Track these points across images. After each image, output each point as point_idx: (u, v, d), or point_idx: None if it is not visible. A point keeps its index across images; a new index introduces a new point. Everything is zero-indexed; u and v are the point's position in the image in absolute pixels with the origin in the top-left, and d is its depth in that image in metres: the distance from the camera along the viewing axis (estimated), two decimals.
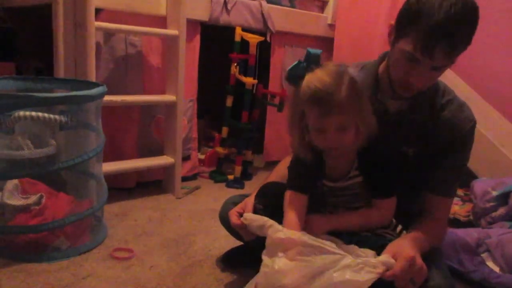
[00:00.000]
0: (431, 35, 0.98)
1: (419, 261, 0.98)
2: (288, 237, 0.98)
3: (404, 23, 1.04)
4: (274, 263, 0.96)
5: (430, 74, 1.06)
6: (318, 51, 1.06)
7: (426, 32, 0.98)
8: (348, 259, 0.93)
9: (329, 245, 0.96)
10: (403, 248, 1.00)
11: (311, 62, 1.04)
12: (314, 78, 1.00)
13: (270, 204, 1.18)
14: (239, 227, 1.19)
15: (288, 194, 1.12)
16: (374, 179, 1.09)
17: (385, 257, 0.96)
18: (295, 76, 1.04)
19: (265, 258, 1.00)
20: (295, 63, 1.05)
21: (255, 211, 1.19)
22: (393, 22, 1.10)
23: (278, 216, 1.12)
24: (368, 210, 1.12)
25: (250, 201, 1.22)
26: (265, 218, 1.04)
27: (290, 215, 1.08)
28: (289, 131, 1.12)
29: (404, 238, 1.08)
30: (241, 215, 1.18)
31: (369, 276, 0.91)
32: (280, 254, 0.97)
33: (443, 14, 0.97)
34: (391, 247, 1.02)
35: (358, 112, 1.01)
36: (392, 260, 0.96)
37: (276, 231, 1.00)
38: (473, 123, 1.18)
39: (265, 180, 1.33)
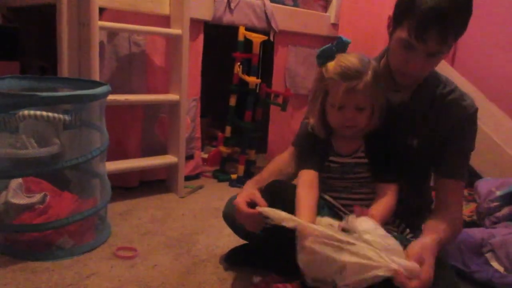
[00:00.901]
0: (423, 20, 1.02)
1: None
2: (315, 229, 0.98)
3: (399, 13, 1.09)
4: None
5: (427, 60, 1.09)
6: (348, 40, 1.14)
7: (418, 18, 1.03)
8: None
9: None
10: (428, 256, 0.97)
11: (340, 48, 1.13)
12: (345, 59, 1.10)
13: (276, 203, 1.19)
14: (248, 216, 1.17)
15: (300, 173, 1.19)
16: (379, 163, 1.14)
17: (411, 264, 0.93)
18: (325, 56, 1.13)
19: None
20: (327, 45, 1.14)
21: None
22: (391, 14, 1.15)
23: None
24: (384, 198, 1.12)
25: (256, 190, 1.21)
26: (288, 215, 1.03)
27: (302, 194, 1.13)
28: (309, 110, 1.21)
29: (430, 242, 1.04)
30: (249, 204, 1.17)
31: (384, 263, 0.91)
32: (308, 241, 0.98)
33: (435, 0, 1.01)
34: (415, 250, 0.99)
35: (376, 97, 1.11)
36: (418, 268, 0.93)
37: (305, 227, 0.99)
38: (475, 109, 1.21)
39: (261, 172, 1.35)
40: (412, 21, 1.04)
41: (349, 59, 1.10)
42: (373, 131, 1.15)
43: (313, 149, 1.21)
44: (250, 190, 1.24)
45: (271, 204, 1.17)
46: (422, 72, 1.14)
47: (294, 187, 1.18)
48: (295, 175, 1.30)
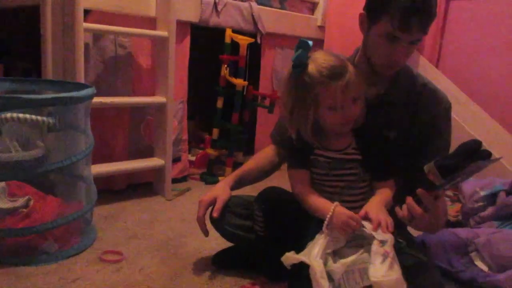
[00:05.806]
0: (407, 13, 1.06)
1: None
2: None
3: (377, 9, 1.13)
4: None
5: (409, 48, 1.14)
6: (310, 41, 1.14)
7: (401, 11, 1.07)
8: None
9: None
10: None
11: (307, 50, 1.12)
12: (323, 60, 1.10)
13: (270, 210, 1.20)
14: (200, 220, 1.29)
15: (293, 172, 1.20)
16: (372, 160, 1.15)
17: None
18: (301, 64, 1.11)
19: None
20: (298, 53, 1.12)
21: (255, 218, 1.23)
22: (362, 11, 1.19)
23: (277, 222, 1.17)
24: (383, 192, 1.15)
25: (226, 192, 1.31)
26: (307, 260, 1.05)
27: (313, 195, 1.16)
28: (293, 122, 1.17)
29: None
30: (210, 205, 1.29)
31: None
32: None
33: None
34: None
35: (362, 84, 1.13)
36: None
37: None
38: (449, 104, 1.25)
39: (242, 166, 1.46)
40: (395, 16, 1.08)
41: (326, 58, 1.11)
42: (361, 126, 1.16)
43: (300, 149, 1.20)
44: (220, 192, 1.31)
45: (271, 212, 1.20)
46: (405, 59, 1.18)
47: (291, 194, 1.20)
48: (271, 171, 1.44)
